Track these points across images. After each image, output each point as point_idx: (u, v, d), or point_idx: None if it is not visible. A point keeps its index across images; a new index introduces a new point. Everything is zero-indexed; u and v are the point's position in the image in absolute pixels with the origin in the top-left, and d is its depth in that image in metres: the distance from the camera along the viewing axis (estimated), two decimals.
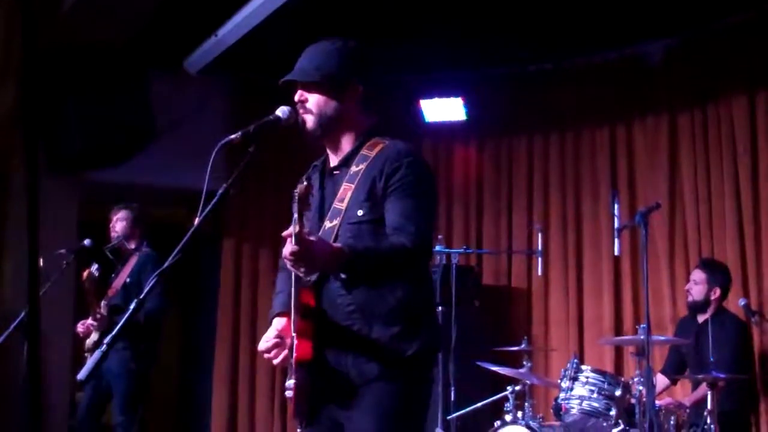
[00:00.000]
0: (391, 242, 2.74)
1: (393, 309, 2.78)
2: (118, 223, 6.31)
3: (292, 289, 2.78)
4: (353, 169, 2.89)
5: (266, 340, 2.91)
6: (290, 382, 2.78)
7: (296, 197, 2.53)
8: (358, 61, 2.96)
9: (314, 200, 2.99)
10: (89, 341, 6.06)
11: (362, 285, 2.78)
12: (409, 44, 6.97)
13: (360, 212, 2.81)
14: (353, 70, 2.94)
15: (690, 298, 5.94)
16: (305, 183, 2.59)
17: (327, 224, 2.87)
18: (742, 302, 5.83)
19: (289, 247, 2.55)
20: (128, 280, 6.18)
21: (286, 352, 2.86)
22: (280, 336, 2.90)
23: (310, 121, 2.91)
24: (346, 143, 2.96)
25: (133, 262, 6.27)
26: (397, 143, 2.92)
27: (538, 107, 7.75)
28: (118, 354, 5.86)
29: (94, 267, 5.86)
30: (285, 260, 2.61)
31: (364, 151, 2.90)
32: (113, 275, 6.30)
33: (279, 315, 2.97)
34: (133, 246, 6.34)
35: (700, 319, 5.92)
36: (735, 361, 5.68)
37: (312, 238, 2.59)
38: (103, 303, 6.04)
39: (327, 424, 2.85)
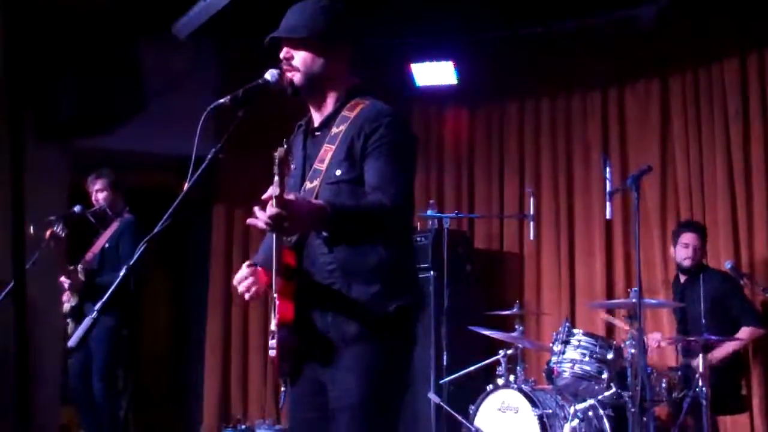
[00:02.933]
0: (370, 200, 2.73)
1: (373, 268, 2.78)
2: (101, 194, 6.32)
3: (274, 249, 2.76)
4: (334, 130, 2.87)
5: (242, 277, 2.87)
6: (273, 342, 2.79)
7: (276, 160, 2.50)
8: (345, 21, 2.94)
9: (297, 161, 2.97)
10: (67, 306, 6.07)
11: (343, 244, 2.78)
12: (400, 8, 6.91)
13: (338, 172, 2.80)
14: (341, 30, 2.92)
15: (691, 263, 5.88)
16: (284, 146, 2.56)
17: (308, 185, 2.85)
18: (728, 265, 5.80)
19: (270, 210, 2.53)
20: (107, 245, 6.20)
21: (258, 286, 2.84)
22: (252, 272, 2.86)
23: (296, 78, 2.87)
24: (330, 103, 2.94)
25: (114, 227, 6.28)
26: (377, 103, 2.89)
27: (530, 71, 7.71)
28: (101, 319, 5.84)
29: (59, 227, 5.83)
30: (265, 224, 2.58)
31: (344, 112, 2.88)
32: (95, 239, 6.31)
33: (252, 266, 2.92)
34: (115, 211, 6.35)
35: (683, 278, 5.99)
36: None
37: (291, 197, 2.57)
38: (80, 267, 6.04)
39: (310, 383, 2.86)
